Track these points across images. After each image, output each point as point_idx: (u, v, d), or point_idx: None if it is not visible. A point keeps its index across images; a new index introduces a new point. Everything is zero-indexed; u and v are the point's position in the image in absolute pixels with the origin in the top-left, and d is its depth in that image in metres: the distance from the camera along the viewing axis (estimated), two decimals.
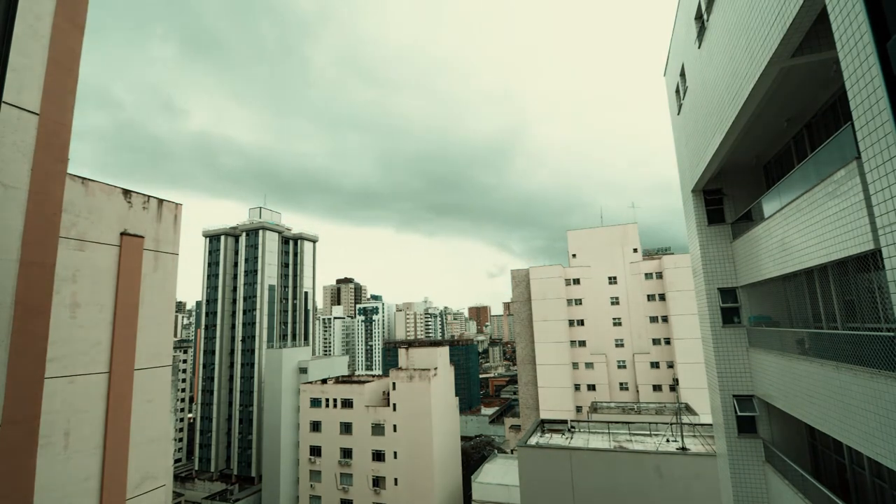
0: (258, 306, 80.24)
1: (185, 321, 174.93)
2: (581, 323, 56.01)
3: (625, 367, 54.21)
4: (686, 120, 15.37)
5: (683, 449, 25.44)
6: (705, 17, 11.96)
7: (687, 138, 15.46)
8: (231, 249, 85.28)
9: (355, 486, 50.47)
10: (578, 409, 52.59)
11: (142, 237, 8.13)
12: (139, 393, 7.78)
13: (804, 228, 9.06)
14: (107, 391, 7.27)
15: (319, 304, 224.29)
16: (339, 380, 60.79)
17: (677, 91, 16.31)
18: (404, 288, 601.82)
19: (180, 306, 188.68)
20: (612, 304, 55.70)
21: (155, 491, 7.96)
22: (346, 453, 51.71)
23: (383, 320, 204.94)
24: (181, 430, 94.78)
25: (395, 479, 48.84)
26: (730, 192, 14.77)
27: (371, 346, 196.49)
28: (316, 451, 53.20)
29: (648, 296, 54.26)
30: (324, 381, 58.66)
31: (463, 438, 66.87)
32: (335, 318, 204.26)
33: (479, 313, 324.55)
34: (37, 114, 4.39)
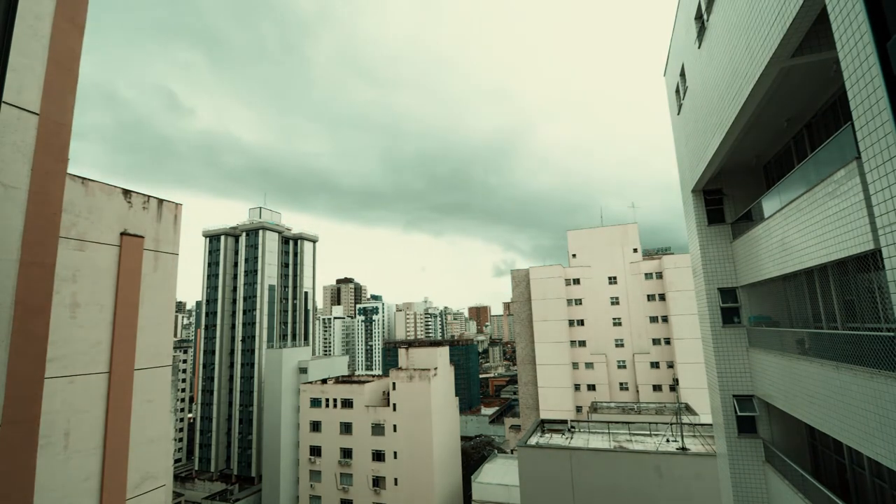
0: (258, 306, 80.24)
1: (185, 321, 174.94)
2: (581, 323, 56.01)
3: (625, 367, 54.21)
4: (686, 120, 15.36)
5: (683, 449, 25.44)
6: (705, 17, 11.96)
7: (687, 138, 15.46)
8: (231, 249, 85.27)
9: (355, 486, 50.46)
10: (578, 409, 52.59)
11: (142, 237, 8.13)
12: (139, 393, 7.78)
13: (804, 228, 9.06)
14: (107, 391, 7.27)
15: (319, 304, 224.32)
16: (339, 380, 60.79)
17: (677, 91, 16.31)
18: (404, 288, 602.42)
19: (180, 306, 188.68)
20: (612, 304, 55.70)
21: (155, 491, 7.96)
22: (346, 453, 51.71)
23: (383, 320, 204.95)
24: (181, 430, 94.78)
25: (395, 479, 48.84)
26: (730, 192, 14.77)
27: (371, 346, 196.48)
28: (316, 451, 53.20)
29: (648, 296, 54.26)
30: (324, 381, 58.65)
31: (463, 438, 66.88)
32: (335, 318, 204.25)
33: (479, 313, 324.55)
34: (37, 114, 4.39)
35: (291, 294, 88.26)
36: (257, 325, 79.56)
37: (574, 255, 58.51)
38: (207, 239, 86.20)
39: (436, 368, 51.46)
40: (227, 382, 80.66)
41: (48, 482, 6.42)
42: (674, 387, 48.66)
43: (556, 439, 29.10)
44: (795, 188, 9.53)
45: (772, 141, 12.25)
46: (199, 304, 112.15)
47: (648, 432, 29.86)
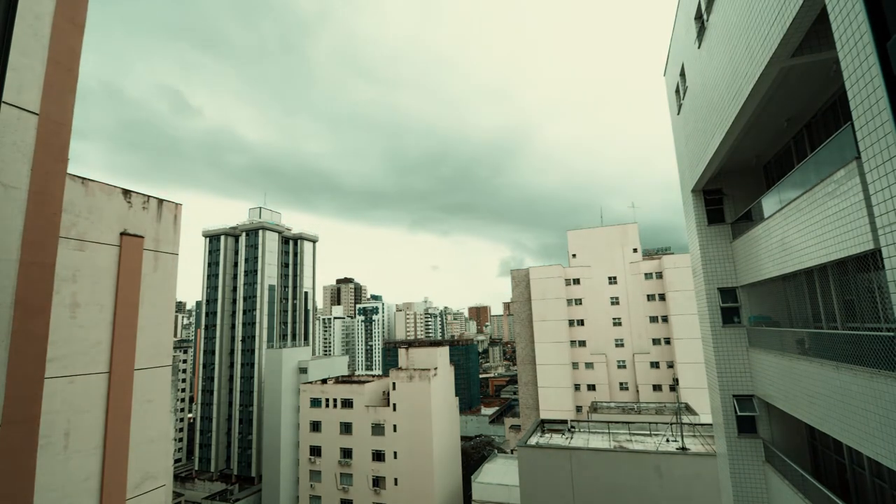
0: (258, 306, 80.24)
1: (185, 321, 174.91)
2: (581, 323, 56.01)
3: (625, 367, 54.21)
4: (686, 120, 15.36)
5: (683, 449, 25.44)
6: (705, 17, 11.96)
7: (687, 138, 15.46)
8: (231, 249, 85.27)
9: (355, 486, 50.46)
10: (578, 409, 52.58)
11: (142, 237, 8.13)
12: (139, 393, 7.78)
13: (804, 228, 9.06)
14: (107, 391, 7.27)
15: (319, 304, 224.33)
16: (339, 380, 60.78)
17: (677, 91, 16.31)
18: (404, 288, 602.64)
19: (180, 306, 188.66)
20: (612, 304, 55.69)
21: (155, 491, 7.96)
22: (346, 453, 51.70)
23: (383, 320, 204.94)
24: (181, 430, 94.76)
25: (395, 479, 48.83)
26: (730, 192, 14.77)
27: (371, 346, 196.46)
28: (316, 451, 53.19)
29: (648, 296, 54.25)
30: (324, 381, 58.65)
31: (463, 438, 66.88)
32: (335, 318, 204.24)
33: (479, 313, 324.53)
34: (37, 114, 4.39)
35: (291, 294, 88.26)
36: (257, 325, 79.56)
37: (574, 255, 58.50)
38: (207, 239, 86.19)
39: (436, 368, 51.46)
40: (227, 382, 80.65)
41: (48, 482, 6.42)
42: (674, 387, 48.66)
43: (556, 439, 29.10)
44: (795, 188, 9.53)
45: (772, 141, 12.25)
46: (199, 304, 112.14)
47: (648, 432, 29.85)
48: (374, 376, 71.11)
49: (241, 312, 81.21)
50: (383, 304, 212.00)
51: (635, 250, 56.25)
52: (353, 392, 52.81)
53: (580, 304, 56.35)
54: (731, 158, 13.08)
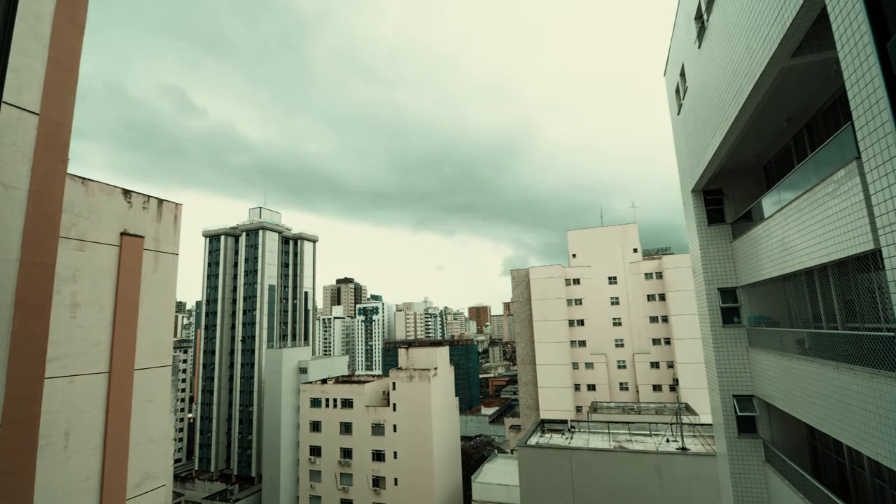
0: (258, 306, 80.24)
1: (185, 321, 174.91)
2: (581, 323, 56.01)
3: (625, 367, 54.20)
4: (686, 120, 15.36)
5: (683, 449, 25.43)
6: (705, 17, 11.96)
7: (687, 138, 15.46)
8: (231, 249, 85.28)
9: (355, 486, 50.46)
10: (578, 409, 52.58)
11: (142, 237, 8.13)
12: (139, 393, 7.78)
13: (804, 228, 9.06)
14: (107, 391, 7.27)
15: (319, 304, 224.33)
16: (339, 380, 60.78)
17: (677, 91, 16.31)
18: (404, 288, 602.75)
19: (180, 306, 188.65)
20: (612, 304, 55.70)
21: (155, 491, 7.96)
22: (346, 453, 51.70)
23: (383, 320, 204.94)
24: (181, 430, 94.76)
25: (395, 479, 48.83)
26: (730, 192, 14.77)
27: (371, 346, 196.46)
28: (316, 451, 53.19)
29: (648, 296, 54.26)
30: (324, 381, 58.65)
31: (463, 438, 66.87)
32: (335, 318, 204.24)
33: (479, 313, 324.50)
34: (37, 114, 4.39)
35: (291, 294, 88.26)
36: (257, 325, 79.56)
37: (574, 255, 58.51)
38: (207, 239, 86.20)
39: (436, 368, 51.46)
40: (227, 382, 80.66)
41: (48, 482, 6.42)
42: (674, 387, 48.66)
43: (556, 439, 29.10)
44: (795, 188, 9.53)
45: (772, 141, 12.25)
46: (199, 304, 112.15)
47: (648, 432, 29.85)
48: (374, 376, 71.11)
49: (241, 312, 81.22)
50: (383, 304, 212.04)
51: (635, 250, 56.25)
52: (353, 392, 52.80)
53: (580, 304, 56.35)
54: (731, 158, 13.08)
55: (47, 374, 5.72)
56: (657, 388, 51.90)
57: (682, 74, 15.25)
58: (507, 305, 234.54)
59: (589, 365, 54.71)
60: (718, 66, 11.02)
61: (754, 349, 13.26)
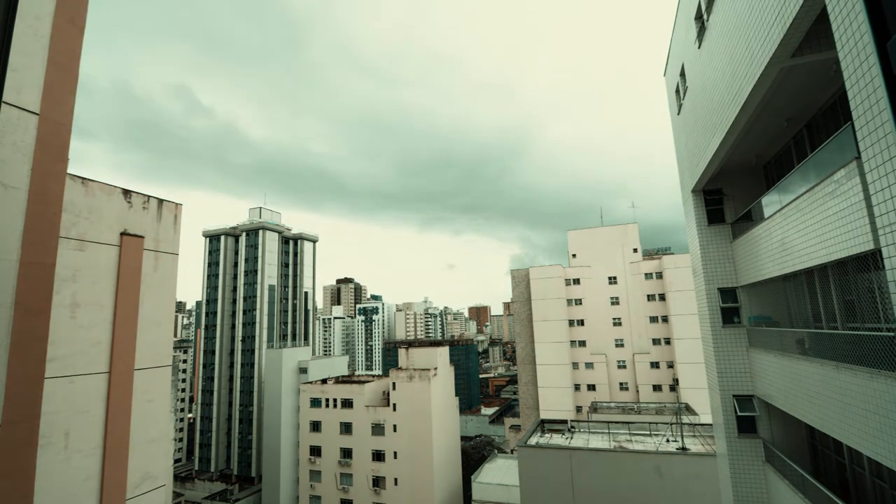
0: (258, 306, 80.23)
1: (185, 321, 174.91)
2: (581, 323, 56.01)
3: (625, 367, 54.21)
4: (686, 120, 15.37)
5: (683, 449, 25.43)
6: (705, 17, 11.96)
7: (687, 138, 15.46)
8: (231, 249, 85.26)
9: (355, 486, 50.46)
10: (578, 409, 52.58)
11: (142, 237, 8.13)
12: (139, 393, 7.78)
13: (804, 228, 9.06)
14: (107, 391, 7.27)
15: (319, 304, 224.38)
16: (339, 380, 60.78)
17: (677, 91, 16.31)
18: (404, 288, 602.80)
19: (180, 306, 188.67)
20: (612, 304, 55.70)
21: (155, 491, 7.96)
22: (346, 453, 51.70)
23: (383, 320, 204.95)
24: (181, 430, 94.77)
25: (395, 479, 48.83)
26: (730, 192, 14.77)
27: (371, 346, 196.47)
28: (316, 451, 53.19)
29: (648, 296, 54.26)
30: (324, 381, 58.65)
31: (463, 438, 66.86)
32: (335, 318, 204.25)
33: (479, 313, 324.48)
34: (37, 114, 4.38)
35: (291, 294, 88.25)
36: (257, 325, 79.55)
37: (574, 255, 58.52)
38: (207, 239, 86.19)
39: (436, 368, 51.45)
40: (227, 382, 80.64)
41: (48, 482, 6.42)
42: (674, 387, 48.67)
43: (556, 439, 29.10)
44: (795, 188, 9.53)
45: (772, 141, 12.25)
46: (199, 304, 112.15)
47: (648, 432, 29.86)
48: (374, 376, 71.11)
49: (241, 312, 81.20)
50: (383, 304, 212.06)
51: (635, 250, 56.26)
52: (353, 392, 52.80)
53: (580, 304, 56.35)
54: (731, 158, 13.08)
55: (47, 374, 5.72)
56: (657, 388, 51.90)
57: (682, 74, 15.25)
58: (507, 305, 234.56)
59: (589, 365, 54.72)
60: (718, 66, 11.02)
61: (754, 349, 13.26)
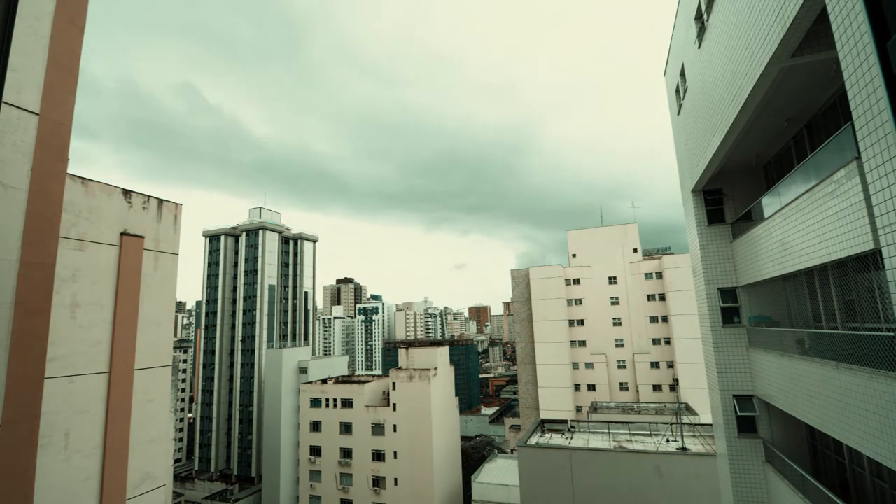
0: (258, 306, 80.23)
1: (185, 321, 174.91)
2: (581, 323, 56.01)
3: (625, 367, 54.21)
4: (686, 120, 15.37)
5: (683, 449, 25.44)
6: (705, 17, 11.96)
7: (687, 138, 15.46)
8: (231, 249, 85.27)
9: (355, 486, 50.46)
10: (578, 409, 52.58)
11: (142, 237, 8.13)
12: (139, 393, 7.78)
13: (804, 228, 9.06)
14: (107, 391, 7.27)
15: (319, 304, 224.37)
16: (339, 380, 60.78)
17: (677, 91, 16.31)
18: (404, 288, 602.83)
19: (180, 306, 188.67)
20: (612, 304, 55.71)
21: (155, 491, 7.96)
22: (346, 453, 51.70)
23: (383, 320, 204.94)
24: (181, 430, 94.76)
25: (395, 479, 48.83)
26: (730, 192, 14.77)
27: (371, 346, 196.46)
28: (316, 451, 53.19)
29: (648, 296, 54.27)
30: (324, 381, 58.65)
31: (463, 438, 66.86)
32: (335, 318, 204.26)
33: (479, 313, 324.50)
34: (37, 114, 4.38)
35: (291, 294, 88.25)
36: (257, 325, 79.55)
37: (574, 255, 58.52)
38: (207, 239, 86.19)
39: (436, 368, 51.45)
40: (227, 382, 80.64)
41: (48, 482, 6.42)
42: (674, 387, 48.67)
43: (556, 439, 29.10)
44: (795, 188, 9.54)
45: (772, 141, 12.25)
46: (199, 304, 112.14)
47: (648, 432, 29.86)
48: (374, 376, 71.11)
49: (241, 312, 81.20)
50: (383, 304, 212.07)
51: (635, 250, 56.26)
52: (353, 392, 52.80)
53: (580, 304, 56.36)
54: (731, 158, 13.08)
55: (47, 374, 5.72)
56: (657, 388, 51.90)
57: (683, 74, 15.25)
58: (507, 305, 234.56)
59: (589, 365, 54.72)
60: (718, 66, 11.02)
61: (754, 349, 13.26)
